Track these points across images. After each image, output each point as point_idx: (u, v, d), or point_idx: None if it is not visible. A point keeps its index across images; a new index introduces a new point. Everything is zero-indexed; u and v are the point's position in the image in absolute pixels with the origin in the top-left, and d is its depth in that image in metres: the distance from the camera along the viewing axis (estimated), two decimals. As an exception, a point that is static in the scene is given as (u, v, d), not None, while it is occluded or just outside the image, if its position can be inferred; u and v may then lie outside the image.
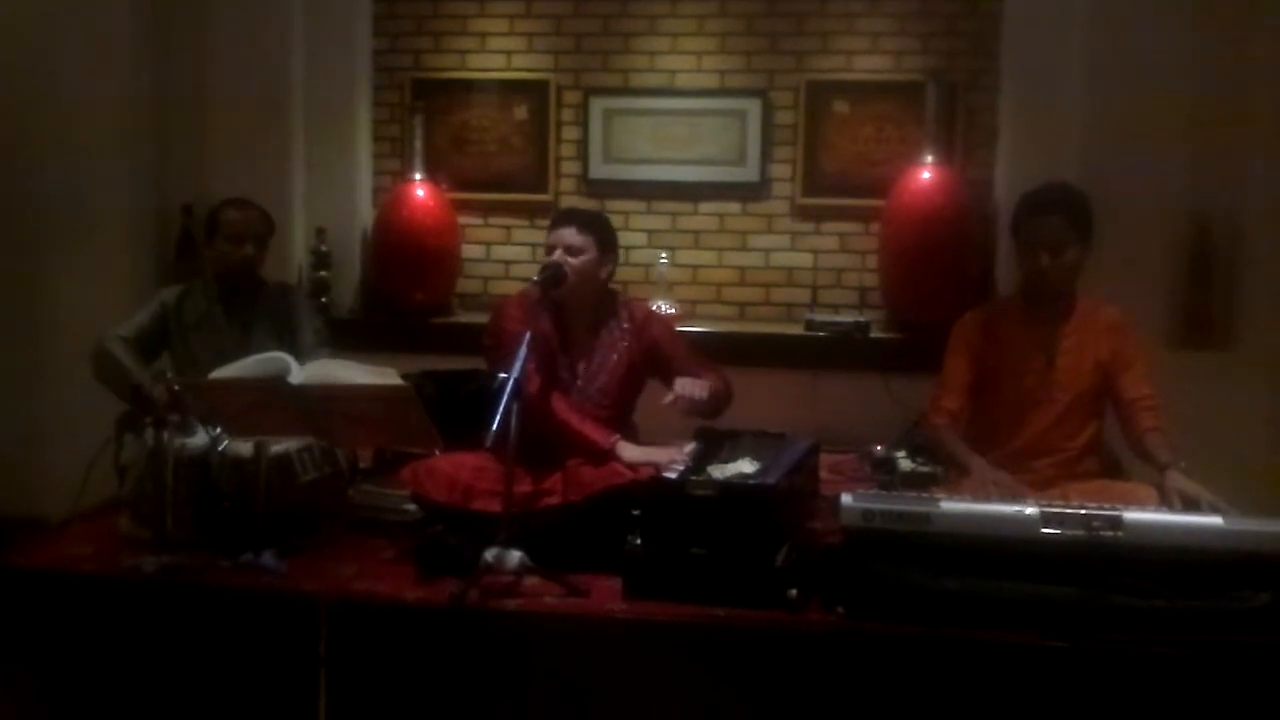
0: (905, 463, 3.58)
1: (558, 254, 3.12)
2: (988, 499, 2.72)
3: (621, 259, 4.22)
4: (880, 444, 3.78)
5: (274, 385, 2.76)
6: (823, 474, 3.48)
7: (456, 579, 2.62)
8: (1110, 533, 2.49)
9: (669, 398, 3.00)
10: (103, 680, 2.72)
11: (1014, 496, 2.76)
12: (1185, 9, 4.08)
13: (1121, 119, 4.13)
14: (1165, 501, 2.82)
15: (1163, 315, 4.18)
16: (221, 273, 3.54)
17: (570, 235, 3.13)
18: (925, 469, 3.48)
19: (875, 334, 4.47)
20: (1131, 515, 2.53)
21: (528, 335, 2.84)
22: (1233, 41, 4.08)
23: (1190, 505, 2.78)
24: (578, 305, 3.19)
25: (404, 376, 3.43)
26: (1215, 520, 2.55)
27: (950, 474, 3.22)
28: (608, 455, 2.97)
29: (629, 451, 2.98)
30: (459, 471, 2.94)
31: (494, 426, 2.63)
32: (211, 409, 2.85)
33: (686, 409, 3.01)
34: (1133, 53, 4.11)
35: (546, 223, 3.42)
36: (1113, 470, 3.27)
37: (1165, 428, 3.10)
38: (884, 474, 3.57)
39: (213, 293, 3.54)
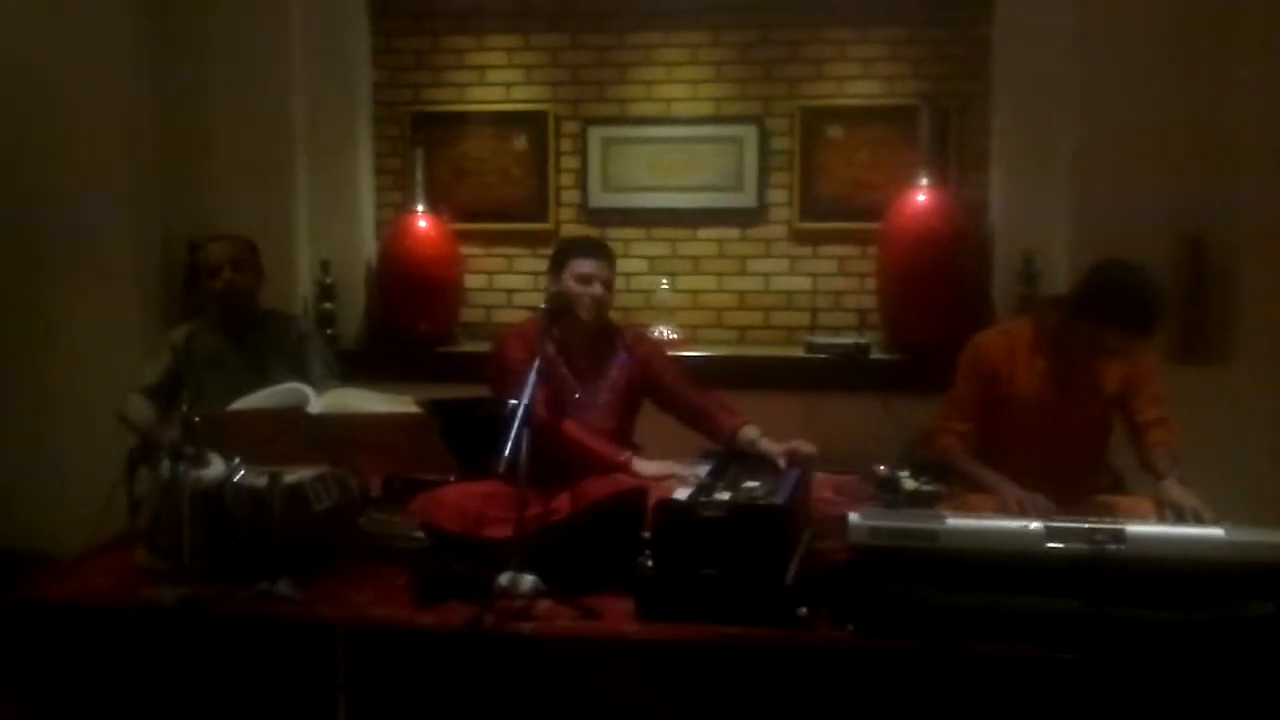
0: (909, 482, 3.59)
1: (597, 287, 3.17)
2: (994, 515, 2.75)
3: (623, 285, 4.32)
4: (883, 463, 3.82)
5: (294, 415, 2.80)
6: (827, 494, 3.53)
7: (472, 604, 2.65)
8: (1114, 546, 2.53)
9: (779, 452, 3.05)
10: (124, 712, 2.73)
11: (1047, 513, 2.77)
12: (1170, 30, 4.15)
13: (1112, 137, 4.18)
14: (1159, 511, 2.87)
15: (1159, 331, 4.21)
16: (215, 307, 3.58)
17: (604, 269, 3.20)
18: (929, 488, 3.49)
19: (875, 355, 4.52)
20: (1134, 528, 2.57)
21: (535, 363, 2.89)
22: (1218, 60, 4.13)
23: (1177, 512, 2.82)
24: (586, 332, 3.24)
25: (408, 406, 3.49)
26: (1217, 532, 2.60)
27: (959, 492, 3.24)
28: (622, 471, 3.02)
29: (645, 467, 3.03)
30: (468, 500, 2.97)
31: (505, 453, 2.67)
32: (231, 441, 2.88)
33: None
34: (1121, 73, 4.17)
35: (548, 251, 3.46)
36: (1115, 485, 3.28)
37: (1174, 443, 3.12)
38: (888, 493, 3.59)
39: (219, 329, 3.58)
